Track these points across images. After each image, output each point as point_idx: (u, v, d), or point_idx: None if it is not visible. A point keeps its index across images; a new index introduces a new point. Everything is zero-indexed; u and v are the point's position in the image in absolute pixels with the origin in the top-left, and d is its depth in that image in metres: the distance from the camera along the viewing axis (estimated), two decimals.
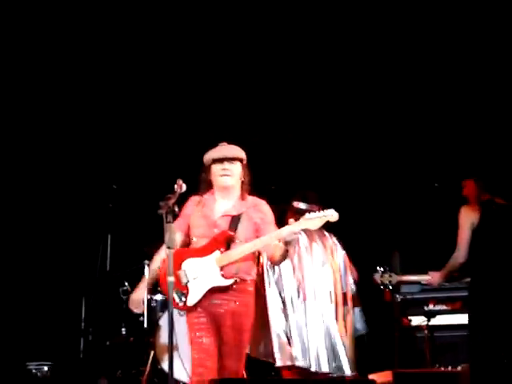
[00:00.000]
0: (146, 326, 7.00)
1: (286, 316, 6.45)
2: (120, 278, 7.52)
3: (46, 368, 7.62)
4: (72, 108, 8.86)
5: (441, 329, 7.23)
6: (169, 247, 4.67)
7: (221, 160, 5.14)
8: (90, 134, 9.17)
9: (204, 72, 8.52)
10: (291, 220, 4.88)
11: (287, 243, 4.91)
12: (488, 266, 5.89)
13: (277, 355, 6.28)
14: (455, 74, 8.66)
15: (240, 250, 4.96)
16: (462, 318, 7.03)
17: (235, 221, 5.06)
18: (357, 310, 6.86)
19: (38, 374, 7.59)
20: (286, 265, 6.46)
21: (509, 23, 8.03)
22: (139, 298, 5.29)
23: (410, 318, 7.42)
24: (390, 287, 6.50)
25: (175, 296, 4.95)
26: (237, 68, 8.50)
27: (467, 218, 5.98)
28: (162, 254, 5.14)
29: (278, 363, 6.27)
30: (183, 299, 4.90)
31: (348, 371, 6.18)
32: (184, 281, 4.98)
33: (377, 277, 6.50)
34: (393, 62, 8.62)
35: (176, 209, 4.82)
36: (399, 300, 7.48)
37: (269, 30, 8.27)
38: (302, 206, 6.76)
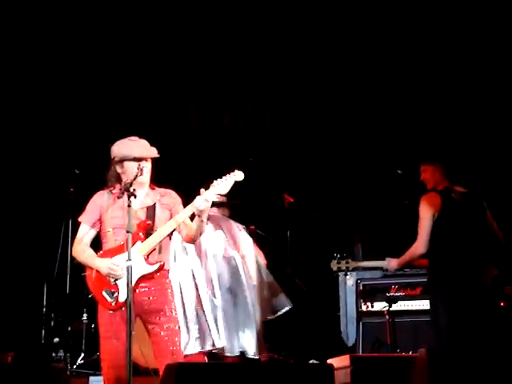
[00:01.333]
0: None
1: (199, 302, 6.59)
2: (81, 264, 7.47)
3: None
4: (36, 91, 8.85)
5: (401, 314, 7.28)
6: (128, 231, 4.69)
7: (139, 159, 5.10)
8: (54, 117, 9.16)
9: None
10: (202, 190, 4.94)
11: (201, 213, 4.96)
12: (449, 255, 5.90)
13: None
14: (420, 58, 8.76)
15: (158, 233, 5.02)
16: (422, 304, 7.16)
17: (151, 210, 5.12)
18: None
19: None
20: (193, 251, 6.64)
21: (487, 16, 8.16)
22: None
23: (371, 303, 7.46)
24: (348, 273, 6.52)
25: (106, 296, 4.95)
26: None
27: (428, 208, 5.94)
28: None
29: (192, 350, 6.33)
30: (114, 297, 4.90)
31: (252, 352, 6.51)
32: (112, 279, 4.97)
33: (333, 263, 6.51)
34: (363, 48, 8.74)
35: (136, 193, 4.84)
36: (361, 286, 7.52)
37: (268, 31, 8.43)
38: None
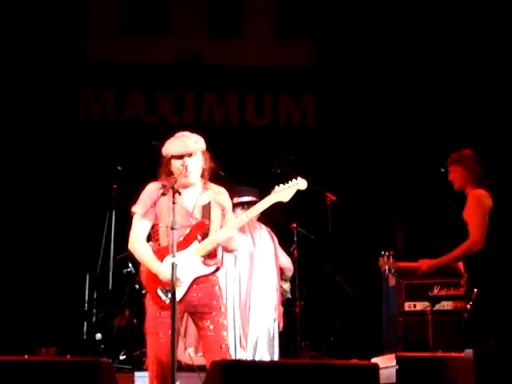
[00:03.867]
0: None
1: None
2: (124, 260, 7.53)
3: None
4: None
5: (444, 314, 7.20)
6: (173, 228, 4.68)
7: (180, 156, 5.01)
8: (97, 115, 9.26)
9: None
10: (238, 211, 4.92)
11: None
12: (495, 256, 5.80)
13: None
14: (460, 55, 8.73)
15: (215, 237, 4.95)
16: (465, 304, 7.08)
17: (206, 209, 5.04)
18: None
19: None
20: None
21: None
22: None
23: (414, 303, 7.40)
24: (393, 272, 6.38)
25: (161, 294, 4.90)
26: None
27: (484, 204, 5.78)
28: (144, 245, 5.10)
29: None
30: (169, 295, 4.87)
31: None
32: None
33: (382, 262, 6.37)
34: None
35: (180, 190, 4.84)
36: (404, 285, 7.45)
37: None
38: (244, 199, 6.67)
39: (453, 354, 4.76)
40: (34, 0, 9.32)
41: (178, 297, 4.80)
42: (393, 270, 6.22)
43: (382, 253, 6.24)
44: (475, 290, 5.73)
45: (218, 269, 5.01)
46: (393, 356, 4.68)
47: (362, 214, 7.99)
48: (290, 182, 4.96)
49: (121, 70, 9.50)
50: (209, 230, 4.98)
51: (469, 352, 4.45)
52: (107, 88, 9.56)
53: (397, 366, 4.57)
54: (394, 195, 8.97)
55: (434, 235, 8.17)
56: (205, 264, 4.96)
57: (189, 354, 6.13)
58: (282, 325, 6.88)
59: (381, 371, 4.41)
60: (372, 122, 9.28)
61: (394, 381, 4.60)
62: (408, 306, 7.36)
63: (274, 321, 6.72)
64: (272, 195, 4.92)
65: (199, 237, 4.96)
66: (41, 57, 9.25)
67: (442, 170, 7.51)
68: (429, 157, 8.70)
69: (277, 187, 4.93)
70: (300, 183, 4.96)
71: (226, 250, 5.20)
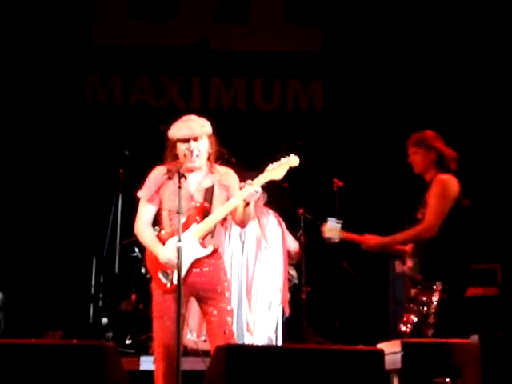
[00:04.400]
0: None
1: None
2: (130, 244, 7.54)
3: None
4: None
5: None
6: (178, 212, 4.67)
7: (186, 140, 4.99)
8: (104, 100, 9.27)
9: None
10: (248, 181, 4.84)
11: (247, 204, 4.88)
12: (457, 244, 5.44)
13: None
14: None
15: (212, 217, 4.95)
16: (473, 291, 7.06)
17: (209, 192, 5.03)
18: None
19: None
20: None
21: None
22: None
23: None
24: (336, 241, 5.99)
25: (161, 277, 4.95)
26: None
27: (450, 190, 5.43)
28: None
29: None
30: (169, 279, 4.89)
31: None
32: None
33: (325, 228, 5.80)
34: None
35: (187, 175, 4.83)
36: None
37: None
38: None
39: (459, 340, 4.74)
40: None
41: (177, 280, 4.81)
42: (337, 239, 5.81)
43: (329, 219, 5.85)
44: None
45: (215, 250, 4.98)
46: (398, 342, 4.67)
47: (367, 198, 7.95)
48: (282, 159, 4.94)
49: (128, 55, 9.48)
50: (208, 212, 4.98)
51: (475, 338, 4.43)
52: (114, 73, 9.54)
53: (402, 352, 4.56)
54: (402, 181, 8.93)
55: None
56: (202, 246, 4.96)
57: (193, 338, 6.17)
58: (288, 310, 6.88)
59: (386, 357, 4.40)
60: (380, 107, 9.25)
61: (400, 366, 4.59)
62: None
63: (278, 305, 6.73)
64: (265, 173, 4.91)
65: (198, 218, 4.96)
66: (48, 42, 9.24)
67: None
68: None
69: (270, 165, 4.92)
70: (292, 160, 4.93)
71: (241, 219, 5.05)
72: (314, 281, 7.72)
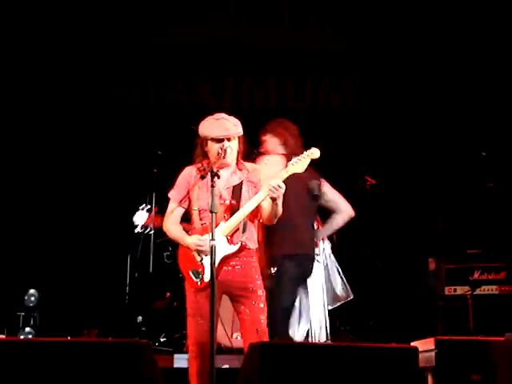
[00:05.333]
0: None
1: None
2: (164, 243, 7.59)
3: None
4: None
5: (485, 298, 7.16)
6: (211, 211, 4.69)
7: (220, 140, 5.03)
8: (138, 101, 9.34)
9: None
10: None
11: (273, 199, 4.87)
12: None
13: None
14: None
15: (238, 214, 4.97)
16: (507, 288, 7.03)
17: (237, 190, 5.05)
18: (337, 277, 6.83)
19: None
20: None
21: None
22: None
23: (454, 287, 7.37)
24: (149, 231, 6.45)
25: (192, 275, 4.98)
26: None
27: None
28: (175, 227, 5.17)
29: None
30: (200, 277, 4.91)
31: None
32: (198, 259, 4.97)
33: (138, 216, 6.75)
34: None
35: (219, 173, 4.85)
36: (444, 269, 7.42)
37: None
38: None
39: (493, 338, 4.72)
40: None
41: (207, 277, 4.86)
42: (149, 228, 6.54)
43: (141, 207, 6.52)
44: None
45: (243, 247, 4.98)
46: (432, 339, 4.66)
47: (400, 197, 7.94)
48: (304, 152, 4.95)
49: (161, 55, 9.54)
50: (236, 210, 4.99)
51: (509, 336, 4.41)
52: (148, 73, 9.61)
53: (436, 350, 4.55)
54: (435, 177, 8.90)
55: (474, 219, 8.10)
56: (230, 242, 4.98)
57: (231, 337, 6.19)
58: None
59: (420, 354, 4.39)
60: (411, 103, 9.21)
61: (434, 364, 4.58)
62: (448, 290, 7.34)
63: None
64: (288, 167, 4.93)
65: (226, 216, 4.98)
66: (83, 43, 9.33)
67: (484, 154, 7.46)
68: (469, 138, 8.64)
69: (293, 159, 4.94)
70: (314, 152, 4.94)
71: (268, 216, 5.06)
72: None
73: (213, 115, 5.15)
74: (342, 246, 7.52)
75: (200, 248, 4.94)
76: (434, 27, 9.19)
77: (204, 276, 4.92)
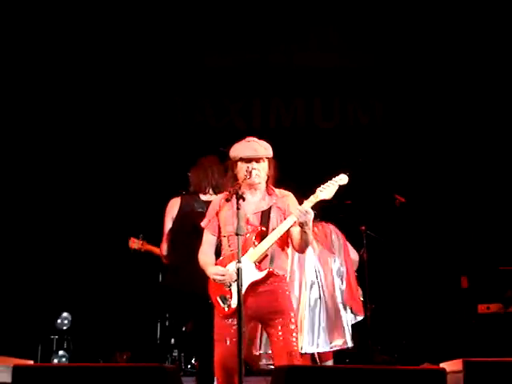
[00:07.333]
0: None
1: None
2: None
3: None
4: None
5: None
6: (237, 234, 4.69)
7: (248, 160, 5.06)
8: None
9: None
10: (305, 201, 4.86)
11: (303, 224, 4.83)
12: None
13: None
14: None
15: (266, 241, 4.95)
16: None
17: (265, 216, 5.04)
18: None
19: None
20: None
21: None
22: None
23: (487, 305, 7.29)
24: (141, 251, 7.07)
25: (220, 301, 4.97)
26: None
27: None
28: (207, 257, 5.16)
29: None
30: (228, 303, 4.90)
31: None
32: (227, 286, 4.96)
33: (132, 242, 7.18)
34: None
35: (244, 195, 4.85)
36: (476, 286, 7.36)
37: None
38: None
39: None
40: None
41: (234, 303, 4.83)
42: (142, 250, 7.05)
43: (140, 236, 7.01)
44: None
45: (270, 273, 4.95)
46: (460, 361, 4.59)
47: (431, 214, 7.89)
48: (332, 178, 4.95)
49: (188, 78, 9.61)
50: (265, 236, 4.97)
51: None
52: (176, 94, 9.69)
53: (464, 371, 4.49)
54: (466, 192, 8.82)
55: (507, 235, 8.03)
56: (258, 269, 4.95)
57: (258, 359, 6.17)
58: (361, 313, 6.78)
59: (448, 376, 4.34)
60: (439, 123, 9.17)
61: None
62: (481, 308, 7.26)
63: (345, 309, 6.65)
64: (316, 193, 4.91)
65: (256, 243, 4.97)
66: (120, 61, 9.48)
67: None
68: (498, 156, 8.57)
69: (322, 185, 4.93)
70: (342, 179, 4.95)
71: (298, 243, 5.01)
72: (377, 298, 7.66)
73: (245, 138, 5.19)
74: (373, 265, 7.49)
75: (219, 279, 4.93)
76: (462, 47, 9.13)
77: (231, 302, 4.91)
